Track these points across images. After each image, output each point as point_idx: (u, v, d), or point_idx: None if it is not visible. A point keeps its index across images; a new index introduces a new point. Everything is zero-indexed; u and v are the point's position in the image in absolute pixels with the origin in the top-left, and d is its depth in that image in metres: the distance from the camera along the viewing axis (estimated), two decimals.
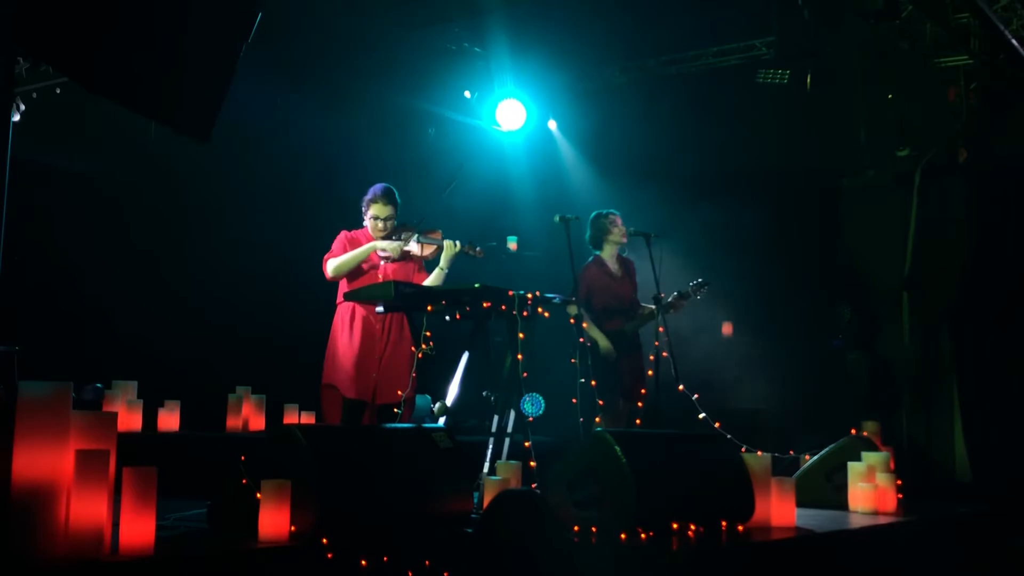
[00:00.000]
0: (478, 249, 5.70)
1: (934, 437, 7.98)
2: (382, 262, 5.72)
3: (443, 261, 5.66)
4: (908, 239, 8.27)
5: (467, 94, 9.89)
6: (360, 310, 5.62)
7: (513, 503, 2.96)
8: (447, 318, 5.33)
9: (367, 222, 5.75)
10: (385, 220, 5.68)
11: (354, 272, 5.68)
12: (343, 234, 5.76)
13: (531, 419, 5.26)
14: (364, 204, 5.75)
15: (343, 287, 5.70)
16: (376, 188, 5.73)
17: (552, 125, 10.00)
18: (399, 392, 5.27)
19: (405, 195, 5.86)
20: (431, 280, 5.72)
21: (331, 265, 5.65)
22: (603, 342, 6.45)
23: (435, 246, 5.72)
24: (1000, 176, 7.94)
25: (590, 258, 6.78)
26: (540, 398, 6.95)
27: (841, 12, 7.18)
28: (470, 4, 6.79)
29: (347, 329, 5.62)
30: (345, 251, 5.68)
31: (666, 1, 8.11)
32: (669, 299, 6.51)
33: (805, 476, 5.68)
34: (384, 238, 5.69)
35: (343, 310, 5.68)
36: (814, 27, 8.07)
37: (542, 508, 2.90)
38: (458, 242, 5.64)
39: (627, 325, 6.63)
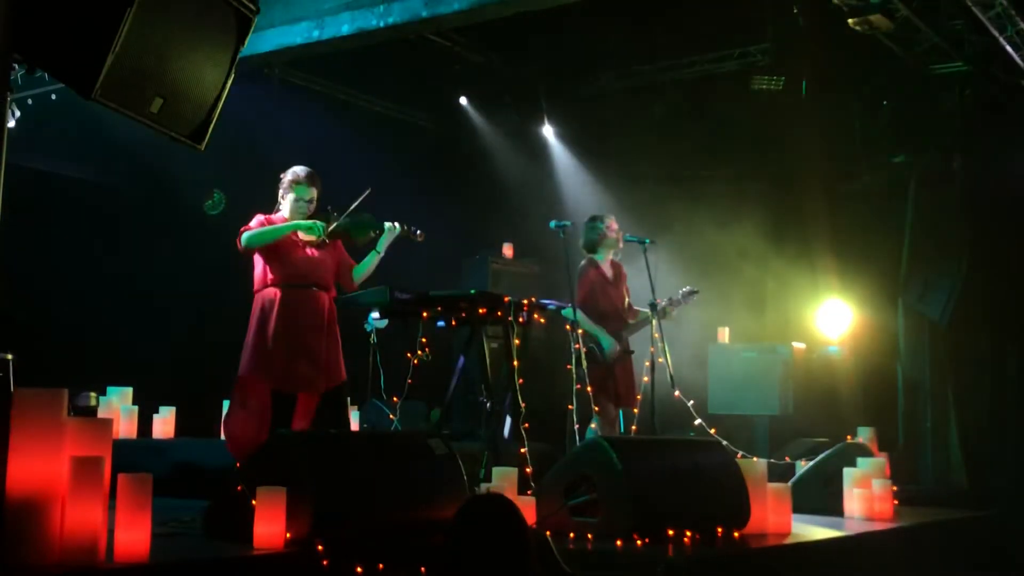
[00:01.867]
0: (419, 233, 5.37)
1: (930, 443, 7.99)
2: (306, 246, 5.31)
3: (381, 245, 5.31)
4: (903, 245, 8.29)
5: (463, 100, 9.91)
6: (289, 296, 5.19)
7: (480, 507, 2.96)
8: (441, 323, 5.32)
9: (286, 204, 5.35)
10: (308, 202, 5.31)
11: (271, 253, 5.24)
12: (260, 215, 5.37)
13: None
14: (285, 185, 5.35)
15: (262, 274, 5.28)
16: (298, 168, 5.37)
17: (547, 131, 10.01)
18: (393, 398, 5.26)
19: (400, 199, 5.78)
20: (365, 265, 5.38)
21: (245, 236, 5.21)
22: (607, 340, 6.35)
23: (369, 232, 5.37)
24: (994, 182, 7.96)
25: (584, 261, 6.65)
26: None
27: (836, 19, 7.20)
28: (467, 10, 6.78)
29: (272, 317, 5.17)
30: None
31: (662, 7, 8.13)
32: (661, 305, 6.49)
33: (801, 482, 5.68)
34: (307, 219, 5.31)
35: (264, 296, 5.25)
36: (809, 34, 8.10)
37: (511, 512, 2.90)
38: (398, 224, 5.30)
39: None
